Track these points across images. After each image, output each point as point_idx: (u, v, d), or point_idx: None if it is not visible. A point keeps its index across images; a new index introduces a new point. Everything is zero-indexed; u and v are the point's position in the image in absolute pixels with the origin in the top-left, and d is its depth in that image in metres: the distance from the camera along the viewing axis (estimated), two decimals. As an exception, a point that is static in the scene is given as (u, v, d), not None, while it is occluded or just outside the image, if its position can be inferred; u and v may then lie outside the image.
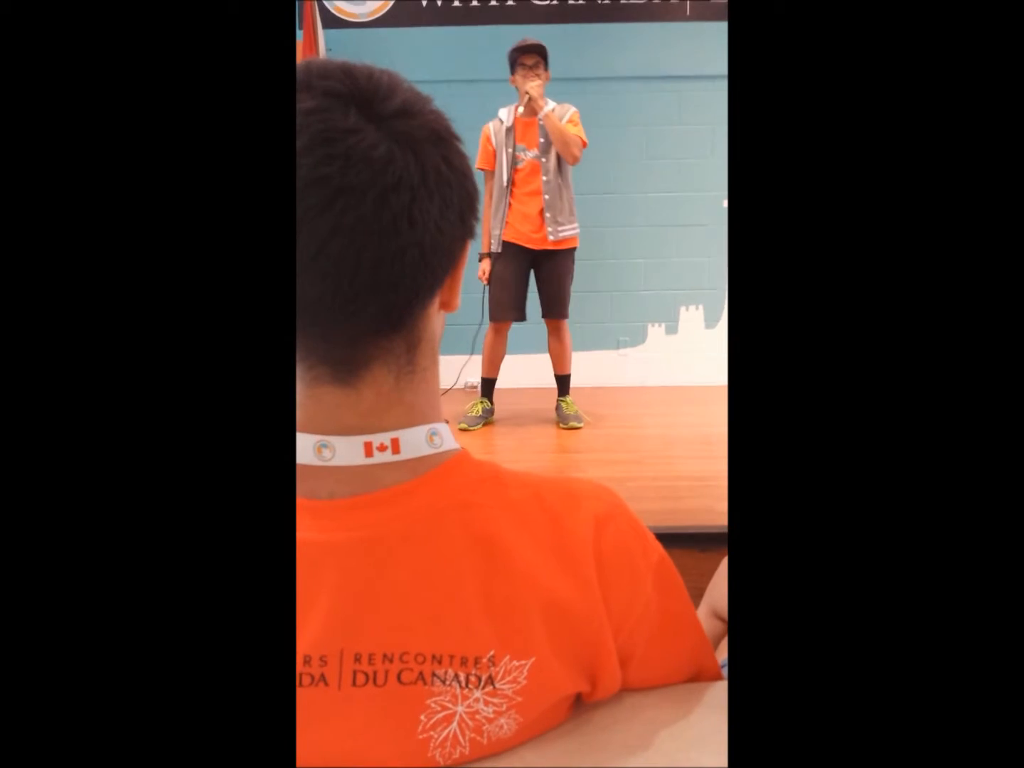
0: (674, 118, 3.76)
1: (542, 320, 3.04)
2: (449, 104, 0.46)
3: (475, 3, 3.66)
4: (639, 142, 3.79)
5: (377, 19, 3.69)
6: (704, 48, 3.51)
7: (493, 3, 3.66)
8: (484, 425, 3.03)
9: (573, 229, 2.93)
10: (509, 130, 2.87)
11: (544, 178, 2.86)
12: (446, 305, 0.48)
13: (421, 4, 3.67)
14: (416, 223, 0.41)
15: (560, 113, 2.85)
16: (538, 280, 2.98)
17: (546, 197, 2.85)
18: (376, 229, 0.40)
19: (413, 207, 0.41)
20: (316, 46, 3.37)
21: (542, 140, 2.85)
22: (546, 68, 2.85)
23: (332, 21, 3.64)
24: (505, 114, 2.90)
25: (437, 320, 0.48)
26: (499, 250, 2.89)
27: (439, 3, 3.67)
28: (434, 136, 0.43)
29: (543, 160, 2.86)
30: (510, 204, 2.88)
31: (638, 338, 3.93)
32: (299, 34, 3.41)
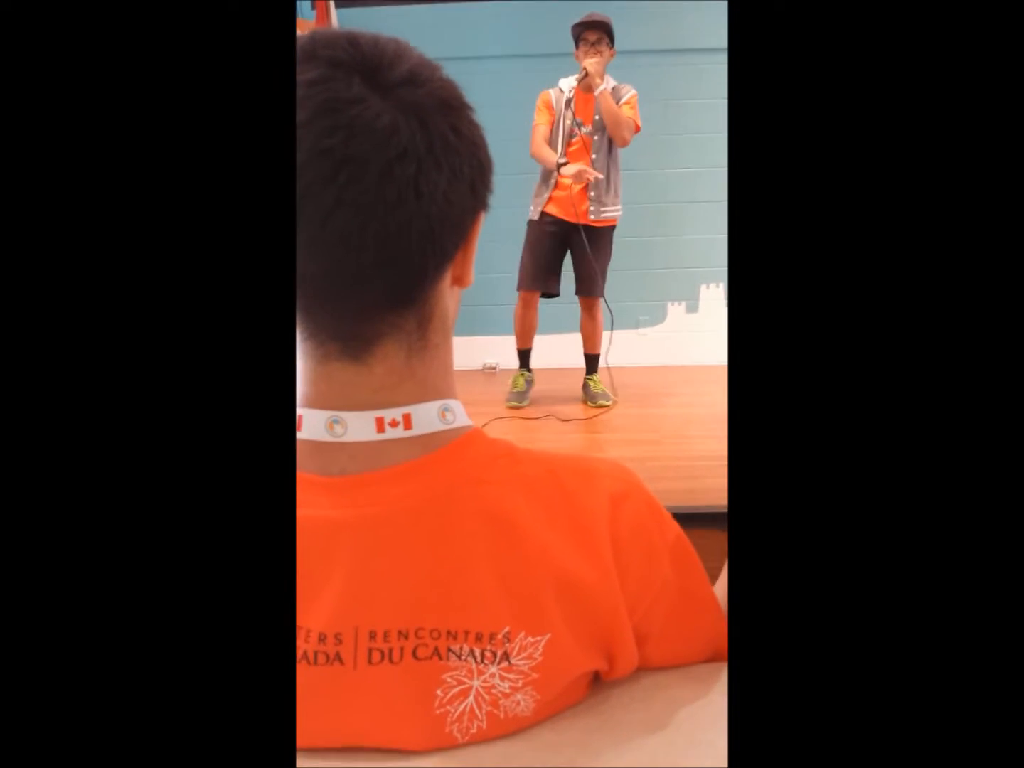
0: (692, 92, 3.69)
1: (575, 299, 3.01)
2: (461, 81, 0.45)
3: (489, -22, 3.61)
4: (657, 117, 3.73)
5: (390, -3, 3.65)
6: (721, 20, 3.44)
7: (507, -23, 3.61)
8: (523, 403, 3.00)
9: (616, 210, 2.93)
10: (569, 101, 2.84)
11: (594, 156, 2.84)
12: (459, 280, 0.47)
13: (434, -20, 3.62)
14: (423, 195, 0.40)
15: (618, 94, 2.82)
16: (573, 256, 2.96)
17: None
18: (381, 201, 0.39)
19: (419, 178, 0.40)
20: (329, 24, 3.35)
21: (597, 117, 2.83)
22: (611, 46, 2.81)
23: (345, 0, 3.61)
24: (566, 85, 2.87)
25: (450, 296, 0.47)
26: (536, 218, 2.87)
27: (453, -21, 3.62)
28: (442, 105, 0.42)
29: (595, 138, 2.84)
30: (558, 180, 2.85)
31: (658, 317, 3.89)
32: (312, 14, 3.39)
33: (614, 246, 3.76)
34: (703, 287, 3.87)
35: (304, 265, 0.40)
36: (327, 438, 0.44)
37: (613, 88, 2.80)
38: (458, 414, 0.47)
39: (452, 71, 0.45)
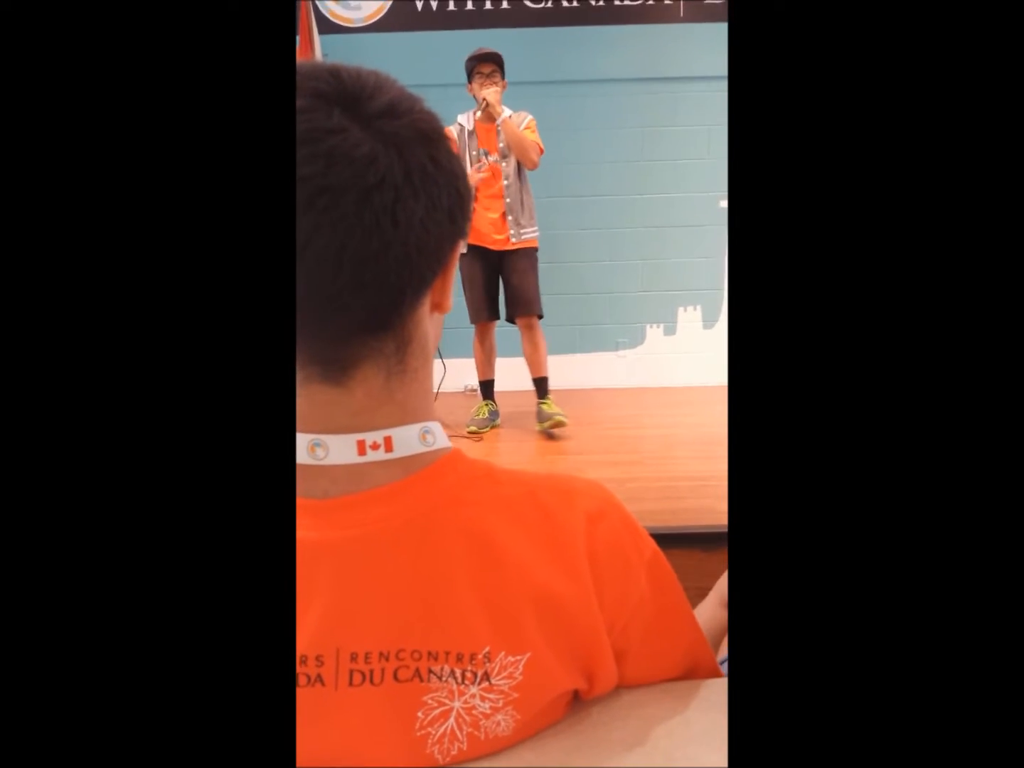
0: (670, 119, 3.76)
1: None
2: (444, 108, 0.46)
3: (470, 7, 3.67)
4: (635, 144, 3.80)
5: (373, 24, 3.70)
6: (699, 49, 3.52)
7: (488, 7, 3.67)
8: (492, 428, 3.04)
9: (533, 232, 2.99)
10: (471, 134, 2.94)
11: (505, 182, 2.92)
12: (438, 306, 0.48)
13: (416, 8, 3.68)
14: (400, 223, 0.41)
15: (517, 120, 2.90)
16: (504, 282, 3.01)
17: (507, 200, 2.92)
18: (358, 228, 0.40)
19: (396, 206, 0.41)
20: (312, 51, 3.38)
21: (501, 145, 2.92)
22: (503, 77, 2.91)
23: (328, 26, 3.65)
24: (465, 119, 2.96)
25: (429, 322, 0.48)
26: (464, 251, 2.92)
27: (434, 7, 3.68)
28: (421, 136, 0.43)
29: (503, 164, 2.93)
30: (474, 208, 2.92)
31: (636, 339, 3.93)
32: (296, 39, 3.41)
33: (593, 269, 3.80)
34: (680, 310, 3.91)
35: None
36: (309, 461, 0.44)
37: (511, 116, 2.89)
38: (438, 436, 0.47)
39: (435, 98, 0.46)
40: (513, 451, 2.82)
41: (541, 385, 3.04)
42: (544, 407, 3.01)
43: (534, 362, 3.01)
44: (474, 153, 2.93)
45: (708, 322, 3.90)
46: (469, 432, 2.95)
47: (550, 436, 2.90)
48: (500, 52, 2.89)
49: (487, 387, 3.12)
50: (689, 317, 3.91)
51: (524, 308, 2.94)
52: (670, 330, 3.92)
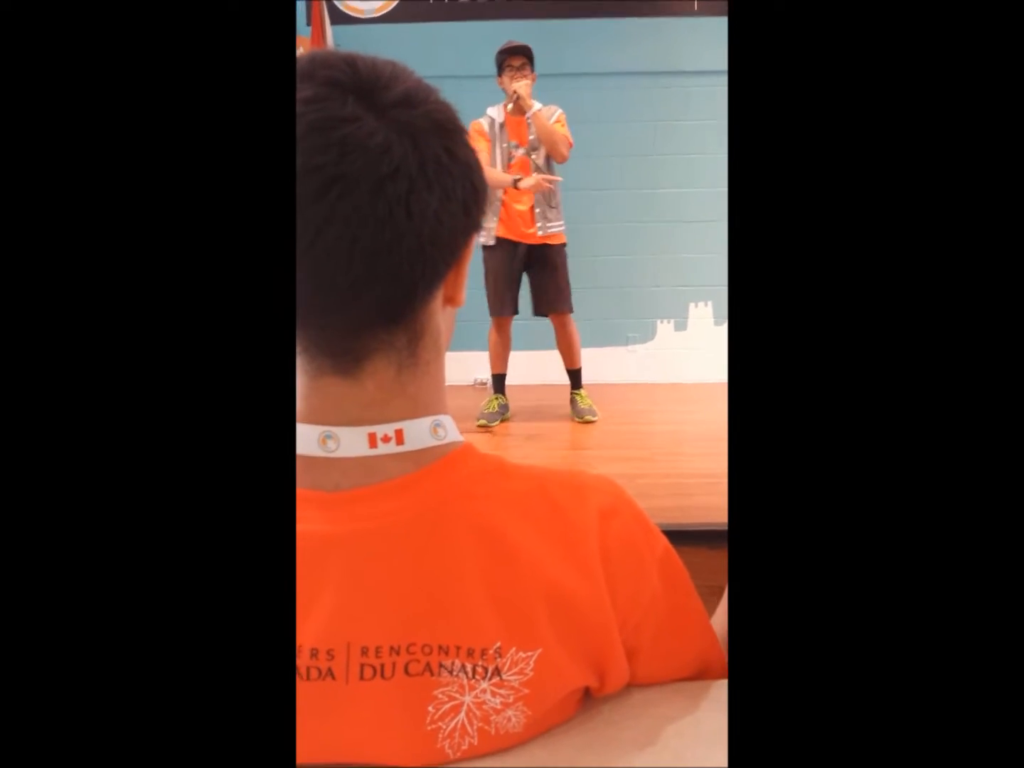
0: (682, 113, 3.75)
1: (546, 318, 3.07)
2: (457, 100, 0.46)
3: (482, -1, 3.66)
4: (647, 137, 3.78)
5: (385, 15, 3.70)
6: (712, 43, 3.50)
7: (500, -1, 3.66)
8: (501, 421, 3.06)
9: (560, 226, 3.01)
10: (502, 126, 2.96)
11: (534, 174, 2.93)
12: (451, 300, 0.47)
13: (428, 0, 3.67)
14: (414, 213, 0.41)
15: (547, 114, 2.91)
16: (532, 277, 3.03)
17: (536, 193, 2.92)
18: (371, 218, 0.40)
19: (411, 197, 0.40)
20: (324, 42, 3.38)
21: (531, 137, 2.94)
22: (532, 69, 2.92)
23: (340, 17, 3.65)
24: (495, 112, 2.98)
25: (442, 315, 0.47)
26: (492, 243, 2.94)
27: (445, 0, 3.67)
28: (436, 126, 0.42)
29: (532, 157, 2.95)
30: (503, 201, 2.94)
31: (647, 334, 3.92)
32: (307, 31, 3.42)
33: (604, 263, 3.79)
34: (692, 305, 3.90)
35: (297, 280, 0.40)
36: (320, 453, 0.44)
37: (540, 108, 2.90)
38: (449, 430, 0.47)
39: (445, 89, 0.45)
40: (522, 444, 2.82)
41: (575, 376, 3.15)
42: (579, 399, 3.11)
43: (569, 355, 3.10)
44: (504, 146, 2.94)
45: (719, 318, 3.89)
46: (479, 426, 2.97)
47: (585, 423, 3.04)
48: (530, 46, 2.89)
49: (499, 381, 3.13)
50: (700, 313, 3.90)
51: (559, 304, 2.99)
52: (681, 326, 3.91)
